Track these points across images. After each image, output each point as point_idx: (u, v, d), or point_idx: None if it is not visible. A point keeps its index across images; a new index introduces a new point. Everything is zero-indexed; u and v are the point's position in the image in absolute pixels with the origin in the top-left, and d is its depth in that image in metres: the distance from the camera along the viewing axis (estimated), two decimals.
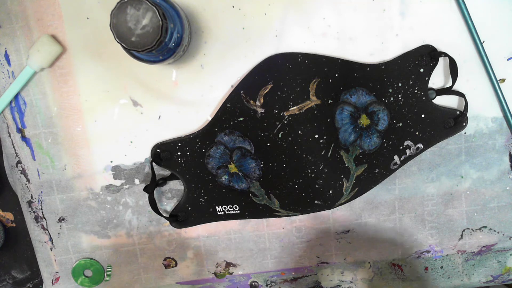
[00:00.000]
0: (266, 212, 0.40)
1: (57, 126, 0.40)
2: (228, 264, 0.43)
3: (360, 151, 0.38)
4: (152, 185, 0.39)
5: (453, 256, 0.42)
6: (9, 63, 0.39)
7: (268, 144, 0.37)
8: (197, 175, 0.40)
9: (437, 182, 0.40)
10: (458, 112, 0.38)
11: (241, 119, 0.37)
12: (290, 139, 0.36)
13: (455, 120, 0.38)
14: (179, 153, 0.39)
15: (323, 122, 0.36)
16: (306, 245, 0.42)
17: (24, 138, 0.40)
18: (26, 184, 0.41)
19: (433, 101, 0.38)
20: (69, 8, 0.38)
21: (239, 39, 0.37)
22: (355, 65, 0.37)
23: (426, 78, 0.37)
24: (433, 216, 0.41)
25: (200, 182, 0.40)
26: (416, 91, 0.38)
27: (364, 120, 0.38)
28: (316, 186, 0.37)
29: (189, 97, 0.39)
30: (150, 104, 0.39)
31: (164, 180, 0.41)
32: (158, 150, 0.39)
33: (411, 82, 0.37)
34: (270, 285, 0.44)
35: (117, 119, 0.39)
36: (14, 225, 0.46)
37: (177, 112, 0.39)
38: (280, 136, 0.36)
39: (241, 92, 0.37)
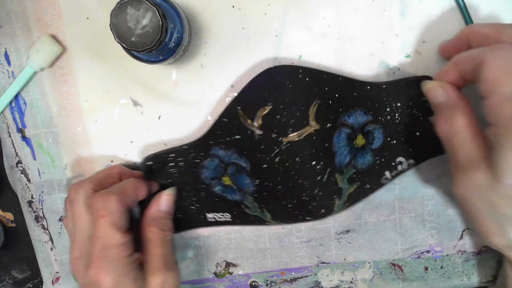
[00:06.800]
0: (257, 221, 0.40)
1: (58, 126, 0.40)
2: (228, 264, 0.43)
3: (354, 170, 0.37)
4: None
5: (453, 256, 0.42)
6: (9, 63, 0.39)
7: (265, 166, 0.36)
8: (190, 184, 0.39)
9: (437, 182, 0.40)
10: None
11: (238, 137, 0.36)
12: (287, 164, 0.35)
13: None
14: (171, 164, 0.38)
15: (321, 147, 0.35)
16: (306, 245, 0.42)
17: (24, 138, 0.40)
18: (26, 184, 0.41)
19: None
20: (69, 8, 0.38)
21: (239, 39, 0.37)
22: (355, 83, 0.36)
23: (428, 105, 0.35)
24: (433, 216, 0.41)
25: (193, 191, 0.39)
26: (414, 112, 0.37)
27: (360, 140, 0.37)
28: (310, 207, 0.36)
29: (189, 97, 0.39)
30: (150, 104, 0.39)
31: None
32: (150, 162, 0.38)
33: (410, 104, 0.36)
34: (270, 285, 0.44)
35: (117, 119, 0.39)
36: (14, 225, 0.46)
37: (177, 112, 0.39)
38: (277, 160, 0.35)
39: (238, 108, 0.35)
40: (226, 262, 0.43)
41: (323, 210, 0.37)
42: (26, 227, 0.43)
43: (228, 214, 0.40)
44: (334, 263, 0.43)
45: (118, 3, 0.29)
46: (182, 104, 0.39)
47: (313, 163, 0.35)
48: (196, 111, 0.39)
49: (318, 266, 0.43)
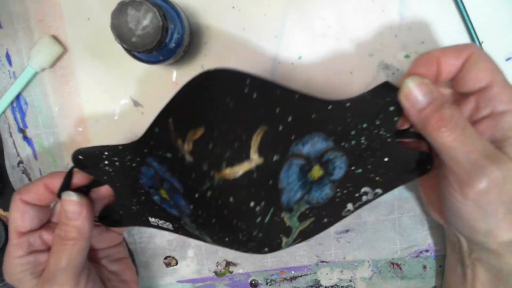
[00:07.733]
0: (201, 239, 0.35)
1: (59, 126, 0.40)
2: (228, 263, 0.43)
3: (307, 206, 0.32)
4: (64, 190, 0.34)
5: None
6: (10, 64, 0.39)
7: (197, 195, 0.30)
8: (129, 185, 0.34)
9: None
10: (422, 153, 0.32)
11: (169, 155, 0.30)
12: (219, 202, 0.29)
13: (419, 163, 0.32)
14: (106, 162, 0.33)
15: (262, 185, 0.29)
16: (306, 244, 0.42)
17: (25, 138, 0.40)
18: None
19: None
20: (70, 9, 0.38)
21: (239, 39, 0.38)
22: (315, 103, 0.29)
23: (396, 118, 0.30)
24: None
25: (132, 193, 0.35)
26: (381, 133, 0.31)
27: (316, 172, 0.31)
28: (248, 246, 0.32)
29: None
30: (151, 104, 0.39)
31: (89, 189, 0.35)
32: (80, 157, 0.33)
33: (378, 123, 0.31)
34: (270, 283, 0.44)
35: (118, 119, 0.40)
36: None
37: None
38: (208, 195, 0.29)
39: (170, 119, 0.29)
40: (226, 261, 0.43)
41: (266, 249, 0.32)
42: None
43: (169, 223, 0.35)
44: (333, 262, 0.43)
45: (118, 4, 0.29)
46: None
47: (251, 204, 0.29)
48: None
49: (317, 265, 0.43)
